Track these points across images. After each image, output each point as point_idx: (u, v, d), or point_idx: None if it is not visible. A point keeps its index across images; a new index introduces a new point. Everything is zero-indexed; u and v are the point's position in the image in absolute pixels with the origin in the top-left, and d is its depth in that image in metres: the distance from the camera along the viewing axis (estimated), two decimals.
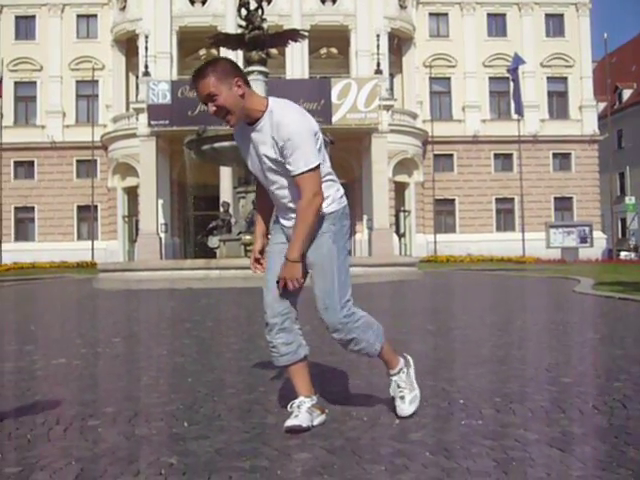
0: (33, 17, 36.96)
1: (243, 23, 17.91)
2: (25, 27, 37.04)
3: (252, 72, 17.58)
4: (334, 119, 30.71)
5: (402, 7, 35.81)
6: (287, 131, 2.64)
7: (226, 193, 28.12)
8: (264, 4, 18.60)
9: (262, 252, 3.09)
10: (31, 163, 36.21)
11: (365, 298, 11.36)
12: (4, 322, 8.65)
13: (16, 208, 35.58)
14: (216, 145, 16.40)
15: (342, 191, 2.93)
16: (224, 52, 30.33)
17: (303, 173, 2.67)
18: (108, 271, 15.63)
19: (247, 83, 2.74)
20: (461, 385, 3.77)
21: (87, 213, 34.39)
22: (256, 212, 3.19)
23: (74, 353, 5.58)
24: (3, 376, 4.60)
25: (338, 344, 2.99)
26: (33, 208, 35.91)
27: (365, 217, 33.56)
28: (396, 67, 36.77)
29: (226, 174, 29.09)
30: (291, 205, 2.84)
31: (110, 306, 10.78)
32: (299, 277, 2.78)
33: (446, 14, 38.11)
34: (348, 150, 31.34)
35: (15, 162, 35.86)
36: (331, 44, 35.85)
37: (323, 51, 36.01)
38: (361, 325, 2.93)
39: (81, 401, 3.57)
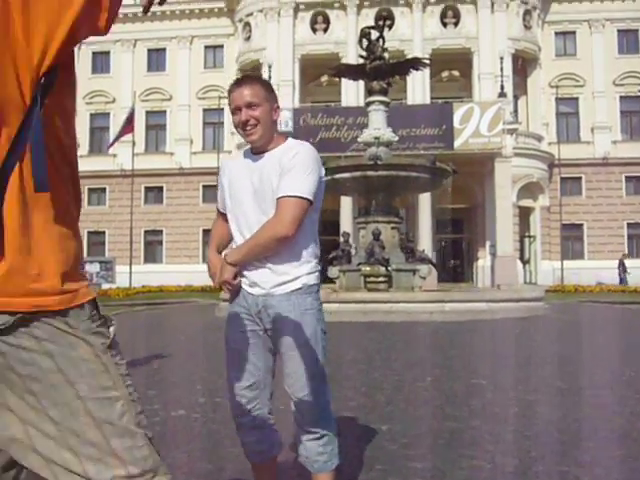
0: (164, 49, 38.80)
1: (364, 53, 17.96)
2: (156, 59, 38.93)
3: (373, 102, 17.61)
4: (456, 144, 30.16)
5: (527, 27, 34.83)
6: (297, 157, 2.50)
7: (346, 223, 28.12)
8: (385, 31, 18.62)
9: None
10: (160, 188, 37.85)
11: (488, 338, 10.95)
12: (132, 356, 8.90)
13: (145, 231, 37.24)
14: (337, 176, 16.46)
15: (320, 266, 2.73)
16: (345, 82, 30.73)
17: (292, 197, 2.45)
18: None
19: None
20: (597, 475, 3.39)
21: None
22: (212, 238, 2.82)
23: (192, 403, 5.58)
24: None
25: (304, 442, 2.63)
26: (161, 231, 37.44)
27: (488, 243, 32.63)
28: (520, 88, 35.74)
29: (346, 203, 29.12)
30: (269, 260, 2.55)
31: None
32: (230, 281, 2.57)
33: (574, 32, 36.68)
34: (470, 174, 30.64)
35: (146, 187, 37.57)
36: (453, 67, 35.35)
37: (445, 74, 35.55)
38: (334, 423, 2.65)
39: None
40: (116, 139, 31.10)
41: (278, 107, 2.65)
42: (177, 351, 9.50)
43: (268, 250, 2.50)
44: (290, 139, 2.65)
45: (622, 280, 31.09)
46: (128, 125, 31.00)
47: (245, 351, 2.61)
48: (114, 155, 37.49)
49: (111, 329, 1.33)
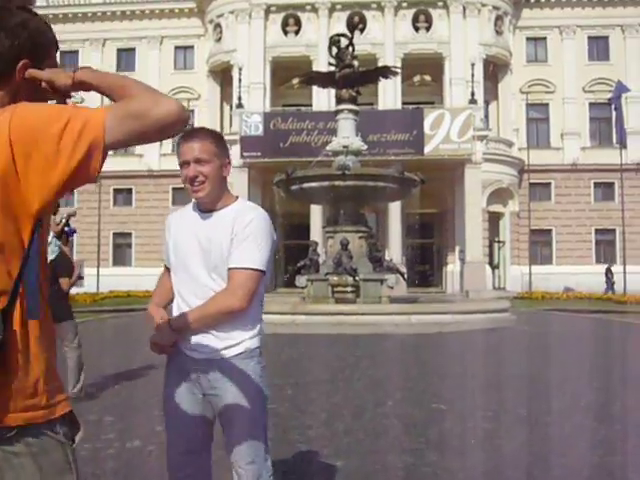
0: (133, 49, 38.35)
1: (333, 60, 17.91)
2: (126, 59, 38.41)
3: (342, 110, 17.55)
4: (426, 150, 30.22)
5: (498, 33, 35.04)
6: (251, 226, 2.44)
7: (316, 231, 28.05)
8: (357, 35, 18.62)
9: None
10: (129, 190, 37.45)
11: (452, 355, 10.92)
12: (95, 374, 8.67)
13: (114, 234, 36.84)
14: (304, 185, 16.42)
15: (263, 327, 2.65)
16: (316, 90, 30.64)
17: (246, 269, 2.40)
18: None
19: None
20: None
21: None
22: (155, 290, 2.72)
23: (149, 432, 5.46)
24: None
25: None
26: (130, 234, 37.06)
27: (457, 248, 32.77)
28: (491, 94, 35.95)
29: (316, 211, 29.08)
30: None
31: None
32: (167, 347, 2.48)
33: (544, 38, 36.97)
34: (440, 180, 30.71)
35: (114, 189, 37.16)
36: (425, 71, 35.43)
37: (416, 78, 35.59)
38: None
39: None
40: None
41: (229, 163, 2.56)
42: (140, 369, 9.32)
43: (218, 322, 2.44)
44: (240, 200, 2.58)
45: (609, 288, 31.35)
46: None
47: (183, 416, 2.52)
48: None
49: (77, 436, 1.51)
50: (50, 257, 6.89)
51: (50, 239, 6.92)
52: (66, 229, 7.28)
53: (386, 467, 4.55)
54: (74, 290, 29.08)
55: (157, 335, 2.50)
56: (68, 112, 1.35)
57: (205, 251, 2.48)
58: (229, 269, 2.42)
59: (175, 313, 2.57)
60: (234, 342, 2.47)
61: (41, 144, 1.31)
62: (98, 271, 30.95)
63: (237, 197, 2.59)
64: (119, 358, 10.61)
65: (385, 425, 5.78)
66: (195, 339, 2.49)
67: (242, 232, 2.42)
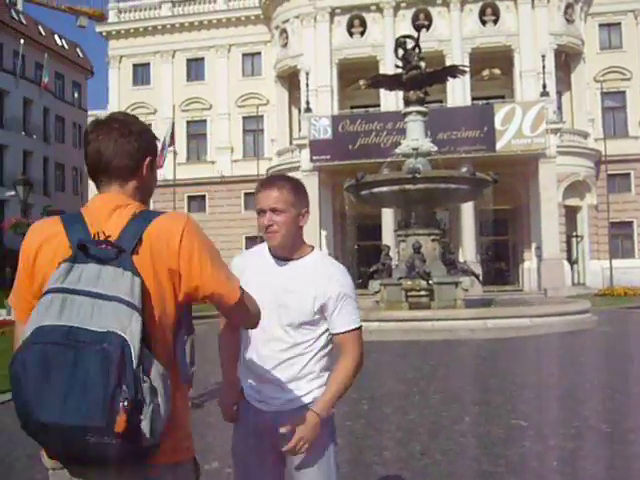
0: (202, 59, 39.11)
1: (400, 60, 17.78)
2: (195, 69, 39.26)
3: (410, 112, 17.40)
4: (498, 146, 29.66)
5: (569, 21, 34.03)
6: (342, 287, 2.44)
7: (387, 235, 27.88)
8: (423, 32, 18.44)
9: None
10: (203, 197, 38.19)
11: (530, 362, 10.67)
12: None
13: None
14: (375, 190, 16.35)
15: None
16: (384, 94, 30.48)
17: (355, 330, 2.46)
18: None
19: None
20: None
21: (255, 244, 35.55)
22: (224, 355, 2.62)
23: (227, 453, 5.53)
24: None
25: None
26: None
27: (534, 245, 32.02)
28: (564, 84, 34.94)
29: (387, 214, 28.91)
30: (282, 375, 2.46)
31: None
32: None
33: (618, 24, 35.69)
34: (513, 175, 30.13)
35: (188, 196, 37.95)
36: (493, 65, 34.74)
37: (485, 73, 34.94)
38: None
39: None
40: (161, 155, 31.60)
41: (307, 212, 2.51)
42: (218, 383, 9.49)
43: (348, 388, 2.52)
44: (316, 251, 2.57)
45: None
46: (170, 140, 31.65)
47: (252, 468, 2.53)
48: (159, 166, 37.95)
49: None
50: None
51: None
52: None
53: None
54: None
55: (308, 434, 2.40)
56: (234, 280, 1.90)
57: (281, 304, 2.45)
58: (336, 334, 2.47)
59: (246, 359, 2.57)
60: (302, 393, 2.46)
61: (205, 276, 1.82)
62: None
63: (312, 247, 2.58)
64: (199, 369, 10.77)
65: (462, 445, 5.69)
66: (264, 392, 2.50)
67: (335, 295, 2.44)
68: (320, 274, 2.44)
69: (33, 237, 1.81)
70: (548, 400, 7.68)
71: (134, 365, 1.57)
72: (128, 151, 1.83)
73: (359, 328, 2.48)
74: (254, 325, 2.03)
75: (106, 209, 1.78)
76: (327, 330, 2.48)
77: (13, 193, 28.53)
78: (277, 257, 2.51)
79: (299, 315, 2.44)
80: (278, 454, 2.50)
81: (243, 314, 1.91)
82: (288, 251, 2.49)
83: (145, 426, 1.58)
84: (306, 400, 2.46)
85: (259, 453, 2.53)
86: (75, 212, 1.82)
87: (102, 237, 1.70)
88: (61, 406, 1.53)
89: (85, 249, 1.66)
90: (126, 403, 1.53)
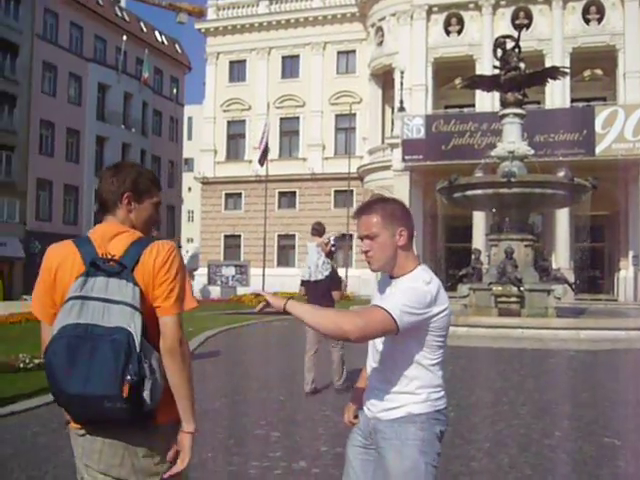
0: (297, 56, 39.53)
1: (498, 63, 17.46)
2: (290, 66, 39.71)
3: (507, 114, 17.07)
4: (597, 150, 28.65)
5: None
6: (405, 284, 2.52)
7: (478, 239, 27.46)
8: (523, 31, 18.02)
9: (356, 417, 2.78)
10: (293, 193, 38.64)
11: (624, 377, 10.28)
12: (265, 378, 9.05)
13: (279, 236, 38.15)
14: (468, 193, 16.13)
15: (443, 394, 2.58)
16: (479, 93, 29.96)
17: (381, 309, 2.39)
18: None
19: (411, 236, 2.58)
20: None
21: (343, 242, 35.67)
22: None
23: (314, 452, 5.62)
24: None
25: None
26: (294, 236, 38.18)
27: (631, 253, 30.81)
28: None
29: (479, 218, 28.43)
30: (382, 385, 2.57)
31: (358, 366, 10.82)
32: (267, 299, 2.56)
33: None
34: (612, 180, 29.00)
35: (279, 192, 38.47)
36: (595, 65, 33.58)
37: (586, 73, 33.81)
38: None
39: None
40: (263, 155, 32.38)
41: (404, 231, 2.55)
42: (302, 379, 9.60)
43: (325, 330, 2.42)
44: (416, 269, 2.56)
45: None
46: (265, 138, 32.39)
47: (357, 466, 2.66)
48: (249, 161, 38.64)
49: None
50: (325, 274, 8.16)
51: (322, 259, 8.14)
52: (332, 248, 8.25)
53: None
54: (241, 289, 30.52)
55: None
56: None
57: None
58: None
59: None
60: (396, 405, 2.53)
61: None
62: (264, 272, 32.15)
63: (418, 265, 2.59)
64: (283, 367, 10.95)
65: (553, 460, 5.57)
66: (368, 398, 2.64)
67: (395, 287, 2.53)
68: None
69: (52, 257, 2.35)
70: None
71: (137, 350, 2.12)
72: (111, 189, 2.39)
73: (387, 312, 2.38)
74: (165, 350, 2.27)
75: (108, 234, 2.33)
76: (416, 345, 2.50)
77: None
78: (390, 275, 2.65)
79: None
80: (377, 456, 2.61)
81: (168, 333, 2.26)
82: (392, 270, 2.60)
83: (147, 395, 2.14)
84: (398, 413, 2.54)
85: (363, 453, 2.67)
86: (84, 237, 2.39)
87: (109, 256, 2.25)
88: (84, 382, 2.09)
89: (96, 265, 2.21)
90: (133, 377, 2.09)
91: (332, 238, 8.35)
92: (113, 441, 2.25)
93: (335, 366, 8.37)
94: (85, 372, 2.10)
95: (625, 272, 31.33)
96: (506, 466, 5.31)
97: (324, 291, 8.04)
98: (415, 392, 2.52)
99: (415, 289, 2.44)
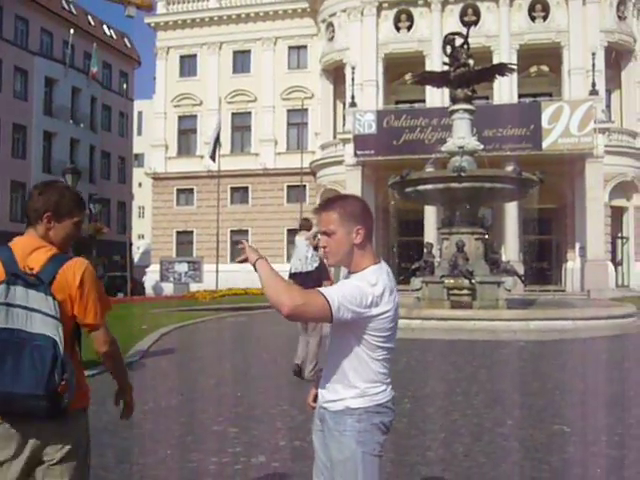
0: (249, 51, 39.29)
1: (447, 59, 17.70)
2: (242, 61, 39.47)
3: (457, 110, 17.32)
4: (544, 144, 29.29)
5: (621, 18, 33.29)
6: (355, 277, 2.61)
7: (430, 232, 27.82)
8: (471, 28, 18.28)
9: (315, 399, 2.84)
10: (246, 189, 38.48)
11: (573, 366, 10.55)
12: (218, 376, 9.05)
13: (232, 231, 37.95)
14: (419, 188, 16.34)
15: (384, 389, 2.62)
16: (429, 89, 30.28)
17: (321, 295, 2.44)
18: None
19: (369, 235, 2.62)
20: None
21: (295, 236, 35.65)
22: None
23: (273, 446, 5.66)
24: (206, 477, 4.74)
25: None
26: (247, 231, 38.05)
27: (577, 245, 31.60)
28: (614, 82, 34.24)
29: (430, 211, 28.82)
30: (328, 375, 2.66)
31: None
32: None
33: None
34: (559, 174, 29.74)
35: (232, 188, 38.26)
36: (541, 62, 34.26)
37: (533, 70, 34.49)
38: None
39: None
40: (214, 150, 32.10)
41: (361, 229, 2.59)
42: (260, 375, 9.65)
43: (267, 295, 2.45)
44: (370, 269, 2.60)
45: None
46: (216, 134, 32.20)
47: (318, 449, 2.73)
48: (201, 156, 38.33)
49: None
50: (315, 265, 8.75)
51: (311, 252, 8.76)
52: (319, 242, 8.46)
53: None
54: (194, 286, 30.17)
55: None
56: None
57: None
58: None
59: None
60: (336, 397, 2.63)
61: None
62: (217, 268, 31.97)
63: (375, 263, 2.64)
64: (238, 362, 10.97)
65: (505, 448, 5.73)
66: (322, 385, 2.72)
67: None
68: None
69: None
70: (591, 406, 7.65)
71: (62, 356, 2.41)
72: (35, 206, 2.64)
73: (325, 299, 2.43)
74: (104, 354, 2.70)
75: (28, 248, 2.58)
76: (355, 340, 2.56)
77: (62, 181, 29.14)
78: (348, 272, 2.72)
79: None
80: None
81: (102, 341, 2.65)
82: (349, 266, 2.67)
83: (66, 395, 2.43)
84: (338, 406, 2.62)
85: (320, 437, 2.72)
86: (4, 246, 2.62)
87: (28, 270, 2.49)
88: (12, 381, 2.36)
89: (16, 275, 2.45)
90: (61, 380, 2.39)
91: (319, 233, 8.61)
92: (21, 430, 2.51)
93: (310, 355, 8.62)
94: (12, 372, 2.37)
95: (572, 263, 32.11)
96: (461, 455, 5.43)
97: (315, 281, 8.18)
98: (353, 386, 2.59)
99: (359, 288, 2.49)
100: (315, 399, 2.80)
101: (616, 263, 32.60)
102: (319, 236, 2.75)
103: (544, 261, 33.13)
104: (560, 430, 6.26)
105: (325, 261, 2.76)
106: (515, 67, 20.75)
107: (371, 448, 2.58)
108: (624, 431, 6.29)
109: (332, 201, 2.68)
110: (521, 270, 22.92)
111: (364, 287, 2.50)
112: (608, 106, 33.22)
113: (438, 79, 18.54)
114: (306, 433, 6.07)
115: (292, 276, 8.74)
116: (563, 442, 5.88)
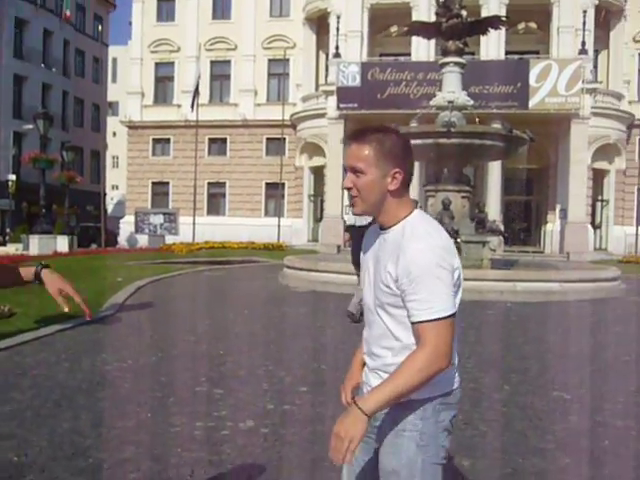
0: None
1: (439, 10, 17.10)
2: (221, 7, 38.29)
3: (448, 63, 16.80)
4: (531, 103, 28.91)
5: None
6: (407, 263, 1.96)
7: (413, 189, 27.37)
8: None
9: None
10: (224, 140, 37.70)
11: (563, 329, 10.37)
12: (197, 333, 8.64)
13: (209, 183, 37.29)
14: None
15: (453, 373, 2.13)
16: (415, 38, 29.50)
17: (426, 322, 1.94)
18: (293, 269, 15.65)
19: (407, 181, 2.09)
20: None
21: (275, 190, 35.19)
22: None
23: (260, 410, 5.30)
24: (191, 444, 4.34)
25: None
26: (224, 184, 37.41)
27: (558, 207, 31.49)
28: (601, 42, 33.80)
29: (415, 169, 28.32)
30: (379, 350, 2.12)
31: (298, 318, 10.57)
32: (356, 440, 1.89)
33: None
34: (544, 134, 29.39)
35: (209, 139, 37.47)
36: (530, 19, 33.66)
37: (521, 26, 33.88)
38: None
39: None
40: (193, 99, 31.36)
41: (399, 172, 2.06)
42: (242, 332, 9.27)
43: (412, 390, 1.96)
44: (410, 217, 2.10)
45: None
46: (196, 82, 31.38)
47: (360, 453, 2.20)
48: (178, 105, 37.40)
49: None
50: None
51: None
52: None
53: (517, 470, 4.22)
54: (170, 238, 29.78)
55: (344, 430, 1.93)
56: None
57: (370, 281, 2.16)
58: (412, 324, 2.01)
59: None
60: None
61: None
62: (194, 220, 31.42)
63: (413, 210, 2.13)
64: (218, 318, 10.59)
65: (507, 416, 5.43)
66: (366, 380, 2.22)
67: (405, 270, 1.98)
68: (397, 247, 2.02)
69: None
70: (589, 372, 7.39)
71: None
72: None
73: (437, 319, 1.95)
74: None
75: None
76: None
77: (32, 126, 28.21)
78: (380, 226, 2.17)
79: (380, 295, 2.07)
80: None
81: None
82: (380, 219, 2.13)
83: None
84: None
85: (365, 442, 2.17)
86: None
87: None
88: None
89: None
90: None
91: None
92: None
93: (355, 300, 9.47)
94: None
95: (552, 225, 32.08)
96: (461, 422, 5.11)
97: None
98: (451, 363, 2.06)
99: (438, 265, 1.98)
100: (353, 396, 2.24)
101: (595, 226, 32.62)
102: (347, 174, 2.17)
103: (524, 222, 33.05)
104: (560, 397, 6.00)
105: (353, 211, 2.15)
106: (507, 21, 20.15)
107: (434, 454, 2.09)
108: (625, 399, 6.03)
109: (368, 132, 2.10)
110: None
111: (439, 260, 1.98)
112: (595, 67, 32.89)
113: (429, 30, 17.90)
114: (294, 396, 5.75)
115: (347, 229, 8.89)
116: (564, 410, 5.63)
